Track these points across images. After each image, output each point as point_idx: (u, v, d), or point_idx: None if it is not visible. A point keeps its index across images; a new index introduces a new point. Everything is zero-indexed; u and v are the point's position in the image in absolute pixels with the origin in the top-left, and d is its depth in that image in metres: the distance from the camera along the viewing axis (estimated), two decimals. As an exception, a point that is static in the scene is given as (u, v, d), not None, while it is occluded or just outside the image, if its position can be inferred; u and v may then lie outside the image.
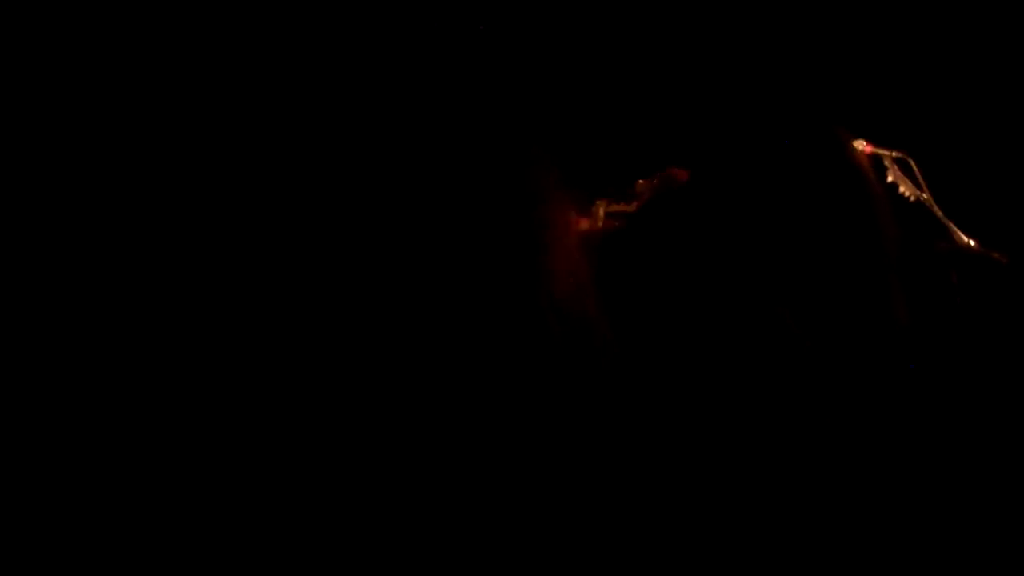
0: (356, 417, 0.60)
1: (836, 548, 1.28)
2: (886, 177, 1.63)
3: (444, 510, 0.62)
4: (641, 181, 5.14)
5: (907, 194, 1.67)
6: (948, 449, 1.34)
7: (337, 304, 0.60)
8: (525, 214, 0.68)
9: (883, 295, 1.45)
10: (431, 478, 0.62)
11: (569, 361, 0.70)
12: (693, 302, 1.40)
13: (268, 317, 0.60)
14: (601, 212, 6.24)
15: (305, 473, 0.61)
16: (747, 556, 1.29)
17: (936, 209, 1.96)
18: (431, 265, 0.62)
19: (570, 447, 0.69)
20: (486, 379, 0.65)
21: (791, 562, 1.29)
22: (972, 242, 2.31)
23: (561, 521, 0.67)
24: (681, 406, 1.44)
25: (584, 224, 6.22)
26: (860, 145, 1.59)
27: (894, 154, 1.65)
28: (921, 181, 1.88)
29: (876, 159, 1.64)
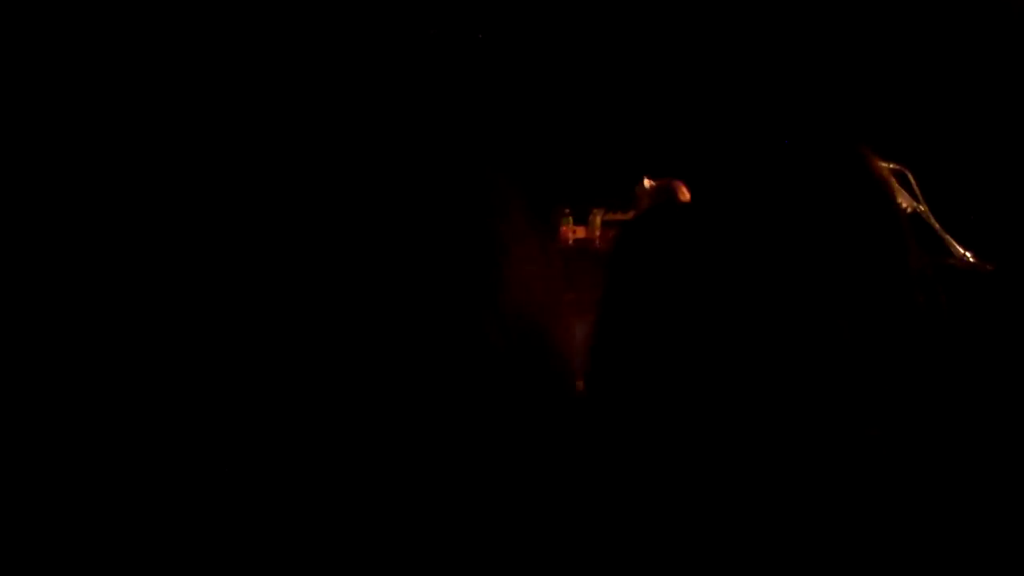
0: (318, 425, 0.60)
1: (836, 548, 1.27)
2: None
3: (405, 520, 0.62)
4: (639, 189, 5.13)
5: (905, 206, 1.66)
6: (949, 451, 1.34)
7: (296, 315, 0.60)
8: (483, 228, 0.68)
9: (907, 308, 1.44)
10: (394, 486, 0.62)
11: (520, 379, 0.69)
12: (695, 315, 1.39)
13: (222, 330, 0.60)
14: (598, 221, 6.24)
15: (266, 486, 0.61)
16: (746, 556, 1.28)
17: (933, 222, 1.96)
18: (387, 275, 0.62)
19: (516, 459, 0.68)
20: (438, 392, 0.64)
21: (790, 562, 1.29)
22: (968, 254, 2.32)
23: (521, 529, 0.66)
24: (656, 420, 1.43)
25: (581, 233, 6.22)
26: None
27: (891, 166, 1.64)
28: (918, 193, 1.88)
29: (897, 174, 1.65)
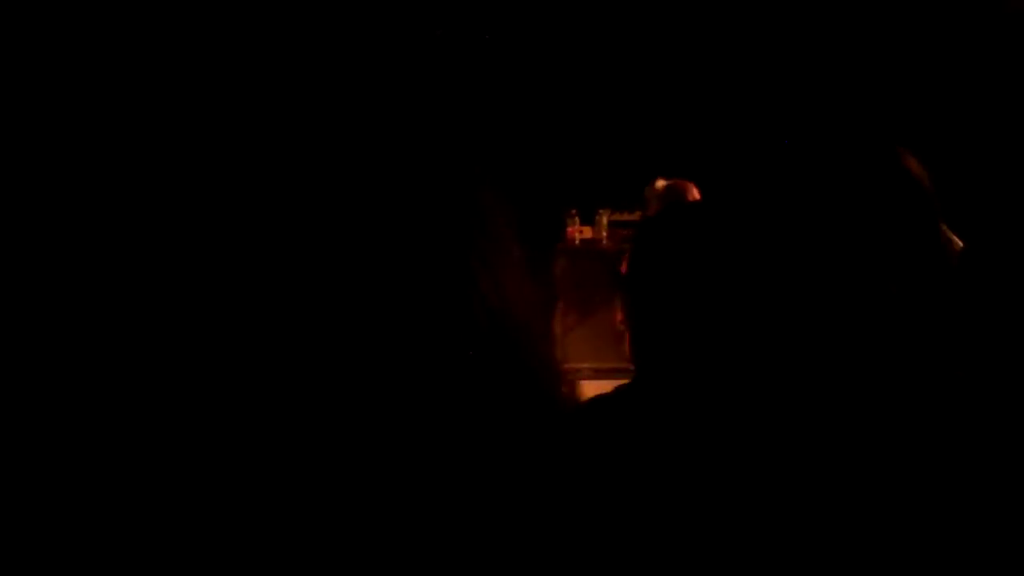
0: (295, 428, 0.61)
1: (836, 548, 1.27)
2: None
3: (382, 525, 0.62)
4: (649, 191, 5.12)
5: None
6: (949, 450, 1.34)
7: (276, 318, 0.60)
8: (460, 230, 0.68)
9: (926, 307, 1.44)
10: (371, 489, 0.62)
11: (496, 386, 0.69)
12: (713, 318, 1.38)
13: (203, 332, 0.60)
14: (605, 221, 6.25)
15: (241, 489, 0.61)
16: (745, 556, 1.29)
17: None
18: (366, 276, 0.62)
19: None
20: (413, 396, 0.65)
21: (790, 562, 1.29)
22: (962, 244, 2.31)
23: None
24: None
25: (587, 233, 6.23)
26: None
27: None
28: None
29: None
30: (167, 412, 0.65)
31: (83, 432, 0.65)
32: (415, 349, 0.69)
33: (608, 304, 6.23)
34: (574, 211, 6.43)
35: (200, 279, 0.66)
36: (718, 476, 1.32)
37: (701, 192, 4.67)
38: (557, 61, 6.55)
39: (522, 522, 0.69)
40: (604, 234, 6.40)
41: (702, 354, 1.40)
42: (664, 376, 1.46)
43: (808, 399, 1.34)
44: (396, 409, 0.68)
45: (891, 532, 1.29)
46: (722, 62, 6.55)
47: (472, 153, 0.77)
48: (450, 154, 0.76)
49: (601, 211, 6.43)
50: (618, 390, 1.64)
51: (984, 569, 1.31)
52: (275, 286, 0.66)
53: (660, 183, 4.87)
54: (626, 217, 6.36)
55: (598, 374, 6.22)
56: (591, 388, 6.39)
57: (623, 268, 5.59)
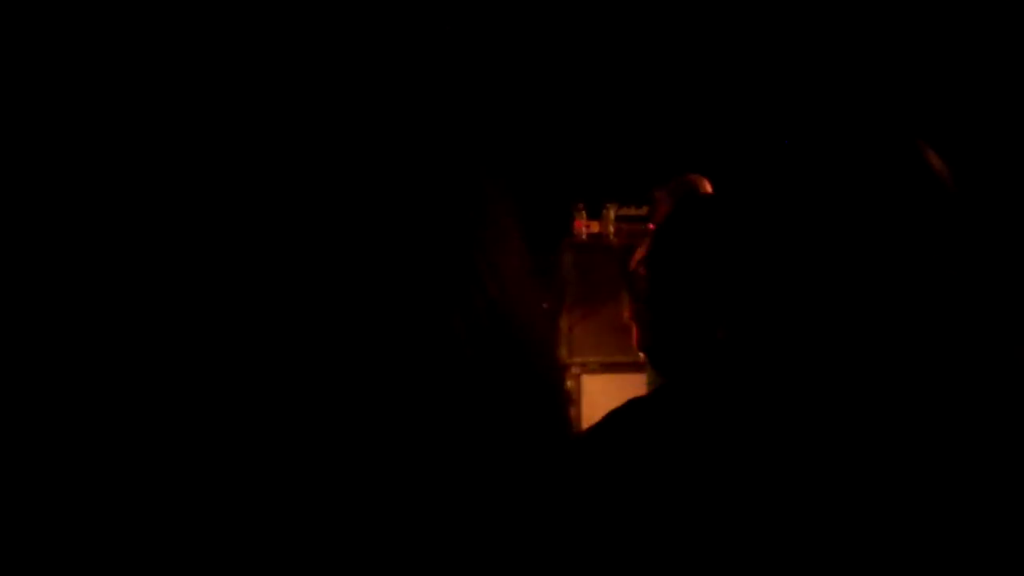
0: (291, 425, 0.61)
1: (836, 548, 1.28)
2: None
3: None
4: (658, 192, 5.12)
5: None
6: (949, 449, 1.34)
7: (276, 314, 0.61)
8: (459, 220, 0.67)
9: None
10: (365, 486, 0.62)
11: (494, 379, 0.69)
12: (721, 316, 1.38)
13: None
14: (612, 215, 6.26)
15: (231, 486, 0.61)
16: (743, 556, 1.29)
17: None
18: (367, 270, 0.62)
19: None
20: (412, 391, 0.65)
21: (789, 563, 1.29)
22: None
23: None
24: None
25: (595, 228, 6.23)
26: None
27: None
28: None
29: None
30: (166, 411, 0.66)
31: (83, 431, 0.66)
32: (415, 341, 0.70)
33: (615, 299, 6.24)
34: (581, 205, 6.44)
35: (197, 262, 0.67)
36: (756, 478, 1.32)
37: (713, 187, 4.68)
38: (564, 56, 6.55)
39: (527, 523, 0.70)
40: (611, 228, 6.41)
41: (732, 349, 1.41)
42: (696, 375, 1.46)
43: (837, 393, 1.35)
44: (396, 403, 0.69)
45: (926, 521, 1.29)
46: (731, 56, 6.54)
47: (475, 146, 0.77)
48: (452, 147, 0.76)
49: (608, 205, 6.44)
50: (652, 396, 1.63)
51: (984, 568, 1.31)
52: (272, 277, 0.66)
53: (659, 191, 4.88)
54: (633, 212, 6.36)
55: (604, 368, 6.23)
56: (597, 382, 6.40)
57: (632, 264, 5.57)
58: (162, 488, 0.68)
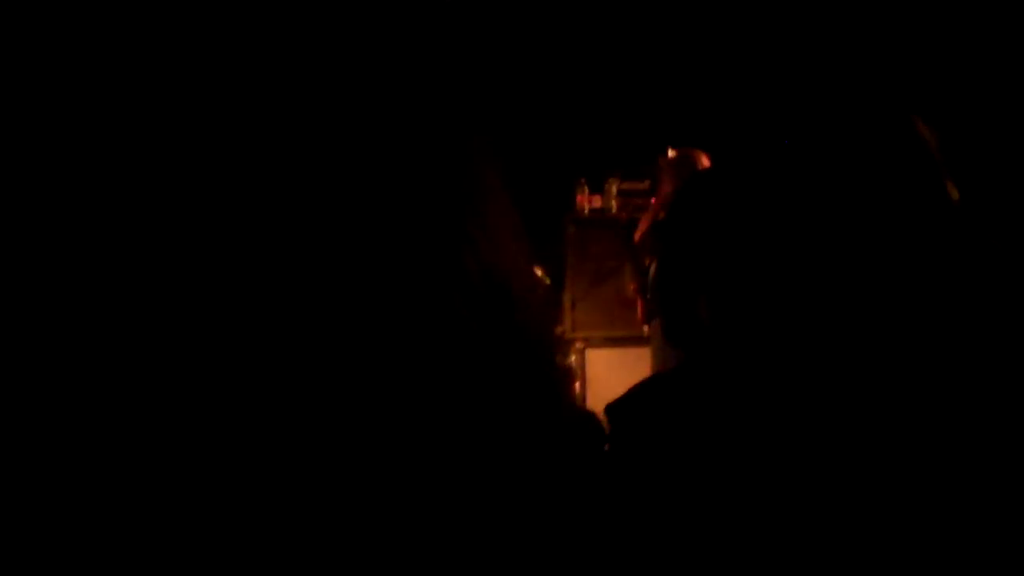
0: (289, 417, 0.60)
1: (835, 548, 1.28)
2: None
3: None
4: (662, 160, 5.11)
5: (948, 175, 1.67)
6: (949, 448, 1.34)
7: (271, 299, 0.60)
8: (453, 188, 0.66)
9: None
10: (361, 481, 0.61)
11: (490, 350, 0.68)
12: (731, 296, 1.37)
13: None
14: (614, 190, 6.24)
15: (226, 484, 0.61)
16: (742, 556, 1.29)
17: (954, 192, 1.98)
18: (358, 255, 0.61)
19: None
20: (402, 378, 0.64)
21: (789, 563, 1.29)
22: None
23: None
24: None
25: (597, 202, 6.21)
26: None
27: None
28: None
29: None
30: (166, 411, 0.66)
31: (83, 431, 0.66)
32: (409, 301, 0.69)
33: (618, 273, 6.23)
34: (583, 180, 6.42)
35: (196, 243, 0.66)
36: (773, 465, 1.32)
37: (712, 161, 4.67)
38: (565, 31, 6.52)
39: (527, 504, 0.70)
40: (613, 203, 6.39)
41: (746, 329, 1.40)
42: (712, 356, 1.45)
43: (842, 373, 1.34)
44: (392, 376, 0.68)
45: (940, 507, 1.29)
46: (731, 30, 6.51)
47: (468, 119, 0.76)
48: (446, 119, 0.76)
49: (610, 180, 6.42)
50: (667, 375, 1.62)
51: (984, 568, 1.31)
52: (269, 265, 0.66)
53: (671, 153, 4.87)
54: (635, 186, 6.35)
55: (608, 343, 6.23)
56: (601, 356, 6.40)
57: (636, 237, 5.54)
58: (162, 487, 0.68)
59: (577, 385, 5.96)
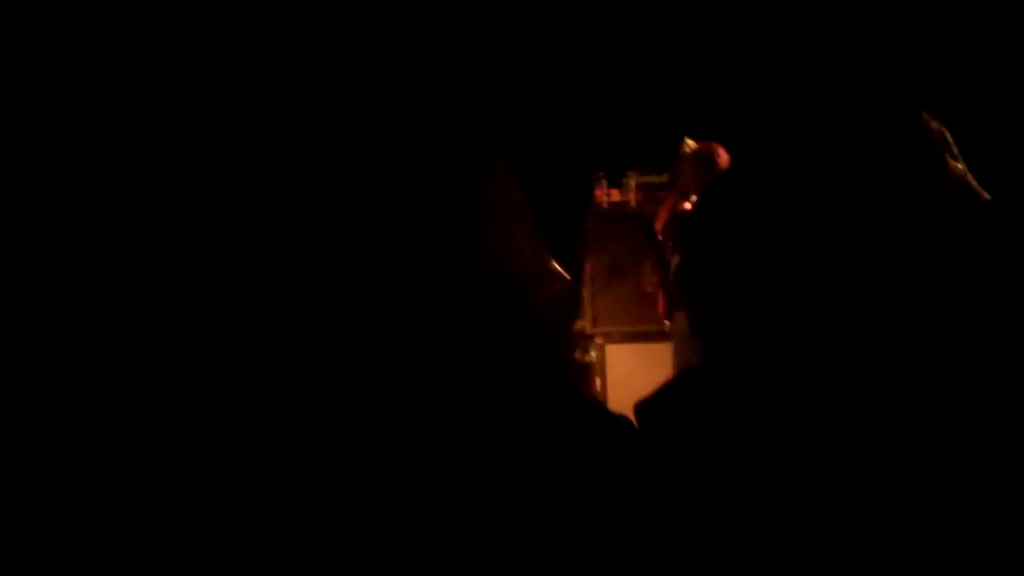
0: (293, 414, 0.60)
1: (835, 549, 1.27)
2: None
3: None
4: (681, 153, 5.10)
5: (959, 165, 1.66)
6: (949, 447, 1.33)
7: (276, 295, 0.60)
8: (461, 181, 0.66)
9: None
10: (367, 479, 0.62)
11: (500, 344, 0.67)
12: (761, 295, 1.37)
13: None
14: (632, 184, 6.23)
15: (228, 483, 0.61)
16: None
17: (972, 181, 1.96)
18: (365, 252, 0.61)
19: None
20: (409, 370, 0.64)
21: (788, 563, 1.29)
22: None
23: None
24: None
25: (615, 196, 6.21)
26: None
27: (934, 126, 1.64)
28: (957, 153, 1.87)
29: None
30: (166, 410, 0.66)
31: (84, 430, 0.66)
32: (420, 295, 0.69)
33: (637, 267, 6.22)
34: (602, 174, 6.41)
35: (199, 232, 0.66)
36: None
37: (730, 154, 4.67)
38: (583, 24, 6.51)
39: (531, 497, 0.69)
40: (632, 197, 6.38)
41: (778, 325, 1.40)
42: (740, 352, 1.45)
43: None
44: (404, 373, 0.68)
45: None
46: (748, 24, 6.49)
47: (479, 112, 0.76)
48: (456, 113, 0.75)
49: (629, 173, 6.41)
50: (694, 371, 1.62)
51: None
52: (278, 264, 0.66)
53: (689, 143, 4.86)
54: (654, 179, 6.33)
55: (628, 338, 6.22)
56: (621, 352, 6.39)
57: (657, 228, 5.51)
58: (162, 486, 0.68)
59: (597, 381, 5.95)
